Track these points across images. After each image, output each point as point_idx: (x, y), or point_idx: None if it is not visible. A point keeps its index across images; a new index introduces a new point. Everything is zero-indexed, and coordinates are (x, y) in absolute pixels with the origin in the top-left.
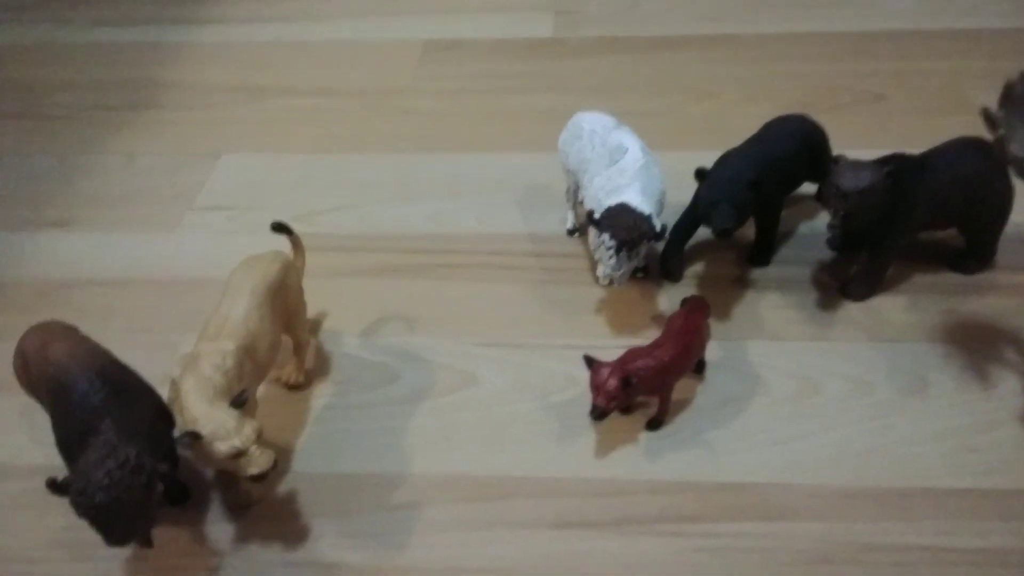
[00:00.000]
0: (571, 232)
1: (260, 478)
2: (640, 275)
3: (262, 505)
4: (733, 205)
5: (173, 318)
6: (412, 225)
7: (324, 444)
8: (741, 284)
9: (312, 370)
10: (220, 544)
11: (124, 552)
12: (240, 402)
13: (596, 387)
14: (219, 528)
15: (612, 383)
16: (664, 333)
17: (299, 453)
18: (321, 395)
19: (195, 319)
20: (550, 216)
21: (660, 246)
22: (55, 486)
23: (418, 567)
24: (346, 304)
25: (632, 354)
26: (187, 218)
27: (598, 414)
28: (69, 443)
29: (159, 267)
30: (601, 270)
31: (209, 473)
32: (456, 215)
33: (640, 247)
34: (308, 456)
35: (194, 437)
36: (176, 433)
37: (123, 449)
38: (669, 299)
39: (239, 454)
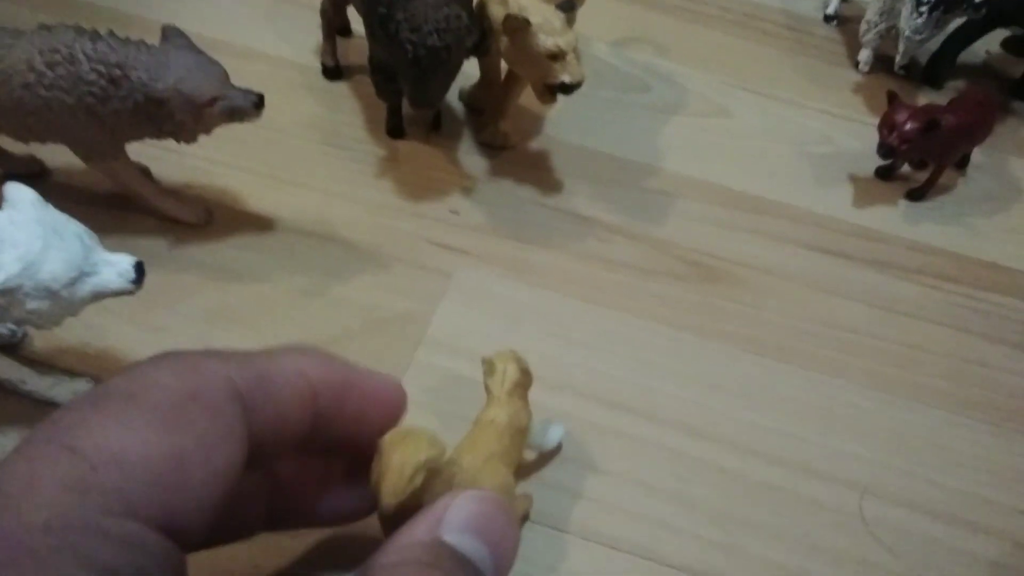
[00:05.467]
0: (829, 18)
1: (569, 89)
2: (902, 72)
3: (514, 152)
4: None
5: None
6: None
7: (576, 120)
8: (1003, 110)
9: None
10: (474, 171)
11: (377, 144)
12: (568, 6)
13: (892, 125)
14: (472, 159)
15: (912, 125)
16: (959, 101)
17: (551, 121)
18: None
19: None
20: (805, 2)
21: (933, 45)
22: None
23: (673, 242)
24: (597, 16)
25: (933, 108)
26: None
27: (885, 152)
28: None
29: None
30: (868, 46)
31: (461, 109)
32: None
33: (955, 14)
34: (560, 126)
35: (525, 22)
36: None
37: (455, 7)
38: (926, 100)
39: (558, 55)
